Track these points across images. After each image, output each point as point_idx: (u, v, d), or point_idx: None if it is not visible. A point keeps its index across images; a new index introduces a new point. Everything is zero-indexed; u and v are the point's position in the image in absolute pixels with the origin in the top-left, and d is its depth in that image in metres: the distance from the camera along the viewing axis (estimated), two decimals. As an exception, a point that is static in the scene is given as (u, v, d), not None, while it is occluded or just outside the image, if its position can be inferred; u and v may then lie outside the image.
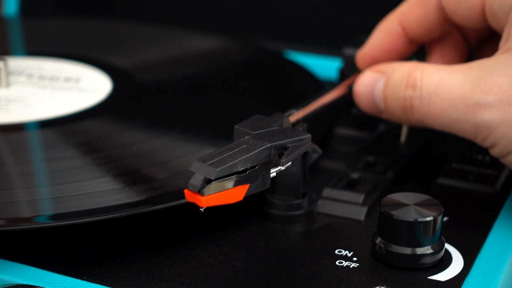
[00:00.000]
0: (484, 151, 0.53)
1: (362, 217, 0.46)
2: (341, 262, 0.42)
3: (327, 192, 0.47)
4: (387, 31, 0.51)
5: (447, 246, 0.43)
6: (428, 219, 0.41)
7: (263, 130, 0.42)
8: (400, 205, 0.42)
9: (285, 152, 0.41)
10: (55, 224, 0.42)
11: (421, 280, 0.41)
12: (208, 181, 0.38)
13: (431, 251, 0.42)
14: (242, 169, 0.39)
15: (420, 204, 0.42)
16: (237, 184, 0.39)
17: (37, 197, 0.44)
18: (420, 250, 0.41)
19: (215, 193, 0.38)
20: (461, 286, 0.41)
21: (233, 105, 0.56)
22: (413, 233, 0.41)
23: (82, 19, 0.73)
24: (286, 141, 0.41)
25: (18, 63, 0.61)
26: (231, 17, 0.76)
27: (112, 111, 0.54)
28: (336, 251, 0.43)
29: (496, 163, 0.51)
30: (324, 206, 0.47)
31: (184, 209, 0.46)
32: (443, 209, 0.42)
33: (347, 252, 0.43)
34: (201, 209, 0.38)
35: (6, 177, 0.46)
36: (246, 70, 0.63)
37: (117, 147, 0.49)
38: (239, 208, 0.47)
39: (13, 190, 0.45)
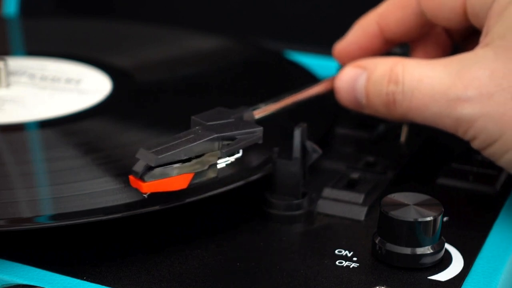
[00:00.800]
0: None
1: (362, 217, 0.46)
2: (341, 262, 0.42)
3: (327, 192, 0.47)
4: (364, 30, 0.52)
5: (447, 246, 0.43)
6: (428, 219, 0.41)
7: (217, 122, 0.43)
8: (400, 205, 0.42)
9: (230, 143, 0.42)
10: (55, 224, 0.42)
11: (421, 280, 0.41)
12: (149, 168, 0.39)
13: (431, 251, 0.42)
14: (185, 157, 0.40)
15: (420, 204, 0.42)
16: (180, 172, 0.40)
17: (37, 197, 0.44)
18: (420, 250, 0.41)
19: (157, 180, 0.39)
20: (461, 286, 0.41)
21: (233, 105, 0.56)
22: (413, 233, 0.41)
23: (82, 19, 0.73)
24: (235, 132, 0.42)
25: (18, 63, 0.61)
26: (231, 17, 0.76)
27: (112, 111, 0.54)
28: (336, 251, 0.43)
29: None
30: (324, 206, 0.47)
31: (184, 209, 0.46)
32: (443, 209, 0.42)
33: (347, 252, 0.43)
34: (144, 195, 0.40)
35: (6, 177, 0.46)
36: (246, 70, 0.63)
37: (117, 147, 0.49)
38: (239, 208, 0.47)
39: (13, 190, 0.45)
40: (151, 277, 0.41)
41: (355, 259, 0.43)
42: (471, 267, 0.42)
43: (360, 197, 0.47)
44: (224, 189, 0.44)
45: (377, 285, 0.40)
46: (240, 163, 0.47)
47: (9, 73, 0.58)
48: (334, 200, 0.47)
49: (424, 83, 0.45)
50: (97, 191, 0.44)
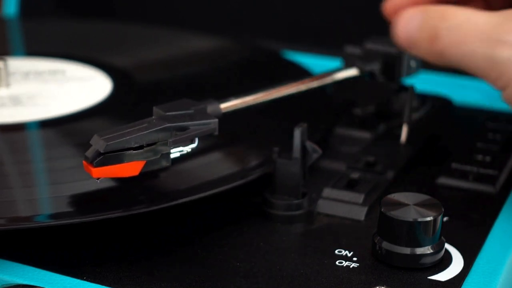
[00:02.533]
0: (484, 151, 0.53)
1: (362, 217, 0.46)
2: (341, 262, 0.42)
3: (327, 192, 0.47)
4: None
5: (447, 246, 0.43)
6: (428, 219, 0.41)
7: (175, 112, 0.44)
8: (400, 205, 0.42)
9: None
10: (55, 223, 0.42)
11: (421, 280, 0.41)
12: (99, 154, 0.40)
13: (431, 251, 0.42)
14: (136, 145, 0.41)
15: (420, 204, 0.42)
16: (130, 159, 0.41)
17: (36, 197, 0.44)
18: (420, 250, 0.41)
19: (107, 166, 0.40)
20: (461, 286, 0.41)
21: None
22: (413, 233, 0.41)
23: (82, 20, 0.73)
24: (188, 123, 0.43)
25: (18, 63, 0.61)
26: (231, 17, 0.76)
27: (112, 111, 0.54)
28: (336, 251, 0.43)
29: (496, 163, 0.51)
30: (324, 206, 0.47)
31: (184, 209, 0.46)
32: (443, 209, 0.42)
33: (347, 252, 0.43)
34: (97, 180, 0.41)
35: (6, 176, 0.46)
36: (246, 70, 0.63)
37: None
38: (239, 208, 0.47)
39: (13, 190, 0.45)
40: (151, 277, 0.41)
41: (355, 259, 0.43)
42: (471, 267, 0.42)
43: (360, 197, 0.47)
44: (223, 188, 0.44)
45: (377, 285, 0.40)
46: (240, 163, 0.47)
47: (9, 73, 0.58)
48: (334, 200, 0.47)
49: (470, 23, 0.46)
50: (97, 191, 0.44)
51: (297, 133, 0.45)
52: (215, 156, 0.49)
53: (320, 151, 0.46)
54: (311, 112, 0.54)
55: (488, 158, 0.52)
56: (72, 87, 0.57)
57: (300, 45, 0.71)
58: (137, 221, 0.45)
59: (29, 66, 0.61)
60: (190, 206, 0.45)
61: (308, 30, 0.73)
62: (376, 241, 0.42)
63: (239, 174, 0.46)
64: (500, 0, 0.53)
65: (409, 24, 0.49)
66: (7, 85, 0.57)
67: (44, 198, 0.44)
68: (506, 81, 0.45)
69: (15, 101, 0.55)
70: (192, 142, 0.43)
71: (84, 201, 0.43)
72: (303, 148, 0.46)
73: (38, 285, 0.40)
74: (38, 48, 0.65)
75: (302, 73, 0.61)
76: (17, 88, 0.57)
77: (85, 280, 0.41)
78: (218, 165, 0.48)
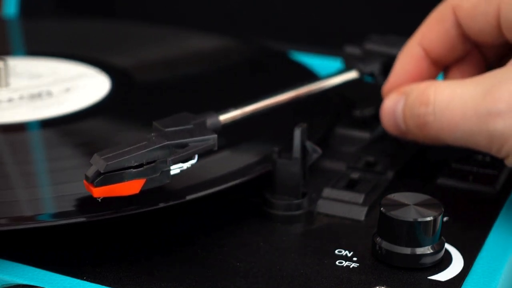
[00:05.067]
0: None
1: (362, 217, 0.46)
2: (341, 262, 0.42)
3: (327, 192, 0.47)
4: (409, 56, 0.51)
5: (447, 246, 0.43)
6: (428, 219, 0.41)
7: (175, 128, 0.44)
8: (400, 205, 0.42)
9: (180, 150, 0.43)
10: (55, 222, 0.42)
11: (421, 280, 0.41)
12: (100, 174, 0.40)
13: (431, 251, 0.42)
14: (135, 164, 0.41)
15: (420, 204, 0.42)
16: (130, 178, 0.41)
17: (37, 197, 0.44)
18: (420, 250, 0.41)
19: (107, 185, 0.40)
20: (461, 286, 0.41)
21: (233, 105, 0.56)
22: (413, 233, 0.41)
23: (82, 19, 0.73)
24: (187, 140, 0.43)
25: (18, 63, 0.61)
26: (232, 17, 0.76)
27: (112, 111, 0.54)
28: (336, 251, 0.43)
29: (496, 163, 0.51)
30: (324, 206, 0.47)
31: (184, 209, 0.46)
32: (443, 209, 0.42)
33: (347, 252, 0.43)
34: (98, 199, 0.41)
35: (6, 176, 0.46)
36: (246, 70, 0.63)
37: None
38: (239, 208, 0.47)
39: (14, 190, 0.45)
40: (151, 277, 0.41)
41: (355, 259, 0.43)
42: (471, 267, 0.42)
43: (360, 197, 0.47)
44: (223, 187, 0.45)
45: (377, 285, 0.40)
46: (240, 162, 0.47)
47: (9, 73, 0.58)
48: (334, 200, 0.47)
49: (455, 101, 0.44)
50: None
51: (297, 133, 0.45)
52: (214, 156, 0.49)
53: (320, 151, 0.46)
54: (311, 112, 0.54)
55: (488, 158, 0.52)
56: (72, 86, 0.57)
57: (300, 45, 0.71)
58: (137, 221, 0.45)
59: (29, 66, 0.61)
60: (190, 207, 0.45)
61: (308, 30, 0.73)
62: (376, 241, 0.42)
63: (239, 173, 0.46)
64: (494, 50, 0.51)
65: (394, 113, 0.48)
66: (7, 85, 0.57)
67: (44, 198, 0.44)
68: (507, 151, 0.44)
69: (15, 101, 0.55)
70: (191, 158, 0.43)
71: (84, 201, 0.43)
72: (303, 148, 0.46)
73: (38, 285, 0.40)
74: (38, 48, 0.65)
75: (305, 73, 0.61)
76: (17, 88, 0.57)
77: (85, 280, 0.41)
78: (218, 164, 0.48)
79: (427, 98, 0.45)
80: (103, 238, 0.44)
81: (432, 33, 0.50)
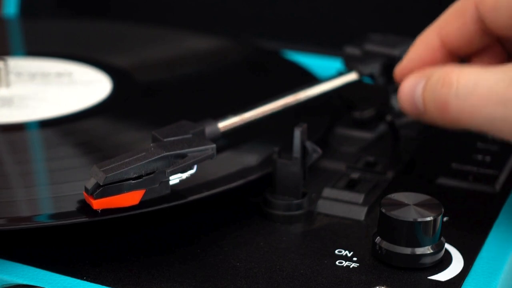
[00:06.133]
0: (484, 151, 0.53)
1: (362, 217, 0.46)
2: (341, 262, 0.42)
3: (327, 192, 0.47)
4: (425, 44, 0.50)
5: (447, 246, 0.43)
6: (428, 219, 0.41)
7: (174, 138, 0.44)
8: (400, 205, 0.42)
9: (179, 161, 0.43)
10: (55, 223, 0.42)
11: (421, 280, 0.41)
12: (99, 186, 0.40)
13: (431, 251, 0.42)
14: (135, 175, 0.41)
15: (420, 204, 0.42)
16: (129, 189, 0.41)
17: (37, 196, 0.44)
18: (420, 250, 0.41)
19: (107, 197, 0.41)
20: (461, 286, 0.41)
21: (233, 105, 0.56)
22: (413, 233, 0.41)
23: (82, 19, 0.73)
24: (185, 150, 0.43)
25: (18, 63, 0.61)
26: (231, 17, 0.76)
27: (112, 111, 0.54)
28: (336, 251, 0.43)
29: (496, 163, 0.51)
30: (324, 206, 0.47)
31: (184, 209, 0.46)
32: (443, 209, 0.42)
33: (347, 252, 0.43)
34: (98, 210, 0.41)
35: (6, 176, 0.46)
36: (246, 70, 0.63)
37: (117, 147, 0.49)
38: (239, 208, 0.47)
39: (13, 190, 0.45)
40: (151, 277, 0.41)
41: (355, 259, 0.43)
42: (471, 267, 0.42)
43: (360, 197, 0.47)
44: (223, 188, 0.45)
45: (377, 285, 0.40)
46: (240, 163, 0.47)
47: (9, 73, 0.58)
48: (334, 200, 0.47)
49: (479, 86, 0.44)
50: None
51: (297, 133, 0.45)
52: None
53: (320, 151, 0.46)
54: (311, 112, 0.54)
55: (488, 158, 0.52)
56: (72, 86, 0.57)
57: (300, 45, 0.71)
58: (137, 221, 0.45)
59: (29, 66, 0.61)
60: (190, 207, 0.45)
61: (308, 30, 0.73)
62: (376, 241, 0.42)
63: (239, 174, 0.46)
64: None
65: (413, 94, 0.47)
66: (7, 85, 0.57)
67: (44, 198, 0.44)
68: None
69: (15, 101, 0.55)
70: (190, 168, 0.43)
71: (84, 201, 0.43)
72: (303, 148, 0.46)
73: (38, 285, 0.40)
74: (38, 48, 0.65)
75: (303, 73, 0.61)
76: (17, 88, 0.57)
77: (85, 280, 0.41)
78: (218, 165, 0.48)
79: (450, 81, 0.45)
80: (103, 238, 0.44)
81: (450, 25, 0.50)
